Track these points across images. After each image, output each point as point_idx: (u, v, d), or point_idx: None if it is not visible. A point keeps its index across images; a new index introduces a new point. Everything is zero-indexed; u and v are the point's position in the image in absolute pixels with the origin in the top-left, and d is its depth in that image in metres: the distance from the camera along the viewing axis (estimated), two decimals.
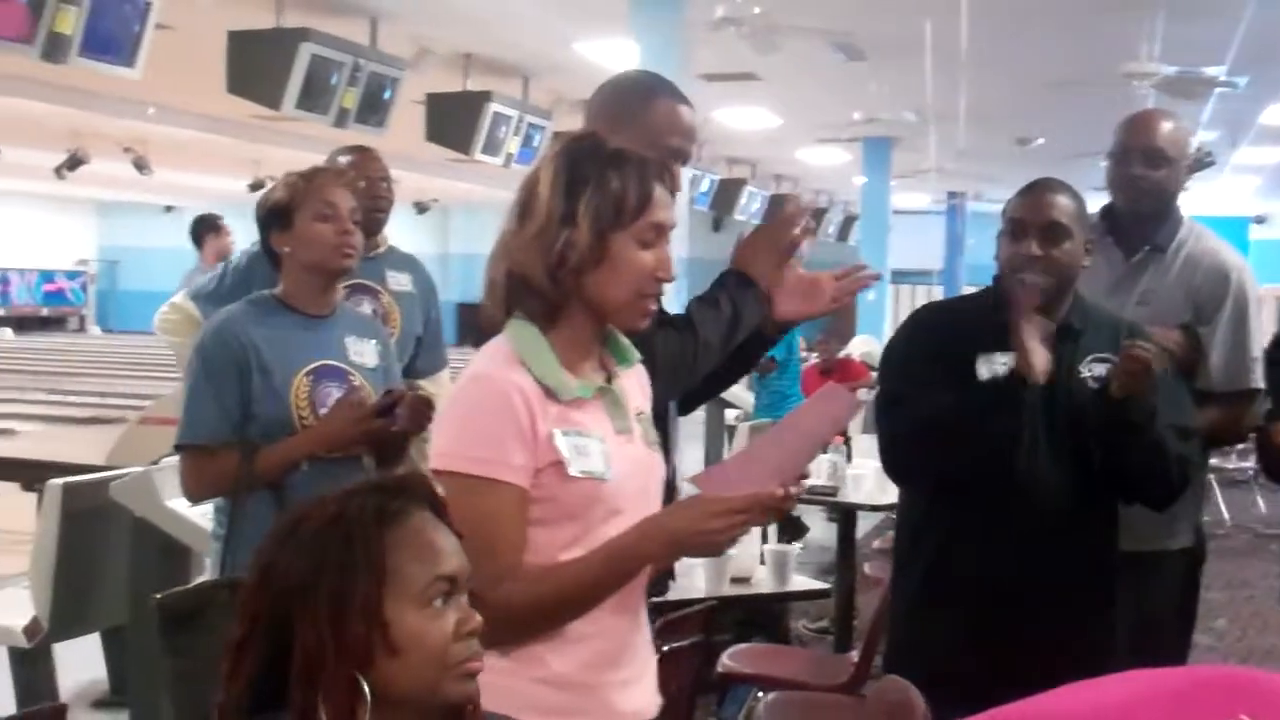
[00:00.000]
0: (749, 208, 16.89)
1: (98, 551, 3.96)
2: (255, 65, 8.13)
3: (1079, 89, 9.31)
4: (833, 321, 22.60)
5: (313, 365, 3.08)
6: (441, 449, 1.99)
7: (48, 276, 30.27)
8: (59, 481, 3.95)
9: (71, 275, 30.86)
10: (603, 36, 9.13)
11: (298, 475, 2.98)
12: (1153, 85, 8.58)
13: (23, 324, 29.26)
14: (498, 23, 9.35)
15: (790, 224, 2.72)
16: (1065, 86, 9.44)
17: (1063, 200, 2.90)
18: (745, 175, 17.19)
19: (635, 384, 2.18)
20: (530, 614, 1.95)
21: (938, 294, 17.70)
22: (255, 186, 16.23)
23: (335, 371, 3.12)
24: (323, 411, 3.05)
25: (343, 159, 3.99)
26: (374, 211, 3.93)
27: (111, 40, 6.65)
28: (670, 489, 2.72)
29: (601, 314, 2.05)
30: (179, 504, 3.62)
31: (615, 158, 2.04)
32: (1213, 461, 10.06)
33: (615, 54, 8.89)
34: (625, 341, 2.15)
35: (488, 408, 1.97)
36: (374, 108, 8.90)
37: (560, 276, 2.00)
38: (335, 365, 3.12)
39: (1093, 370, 2.91)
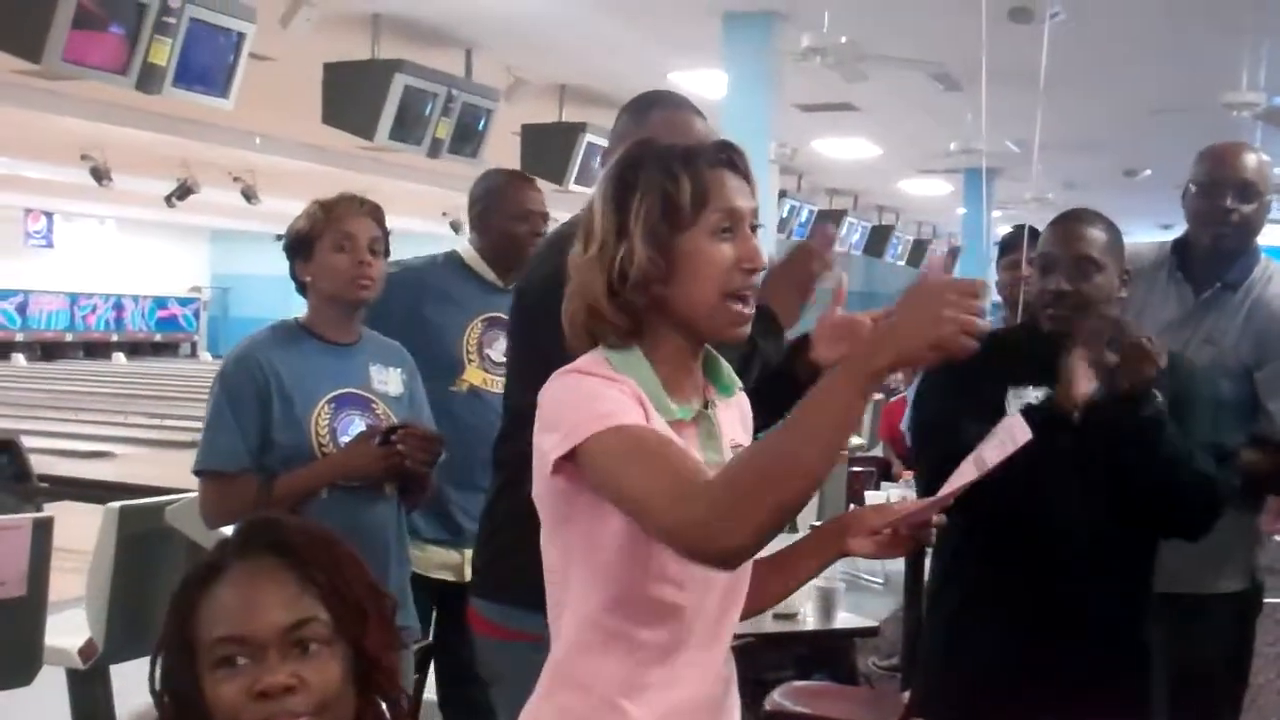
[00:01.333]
0: (849, 239, 16.77)
1: (155, 574, 3.96)
2: (349, 96, 8.25)
3: (1181, 117, 9.11)
4: None
5: (335, 393, 3.06)
6: (549, 446, 1.78)
7: (161, 303, 30.97)
8: (116, 505, 3.99)
9: (184, 302, 31.54)
10: (696, 67, 9.13)
11: (317, 503, 2.95)
12: (1256, 115, 8.35)
13: (136, 349, 29.96)
14: (592, 54, 9.39)
15: (808, 259, 2.63)
16: (1165, 115, 9.25)
17: (1093, 233, 2.78)
18: (846, 206, 17.08)
19: (735, 415, 2.02)
20: (734, 503, 1.64)
21: None
22: None
23: (358, 399, 3.09)
24: (344, 440, 3.02)
25: (509, 186, 3.89)
26: (530, 247, 3.77)
27: (205, 71, 6.80)
28: None
29: (692, 326, 1.87)
30: (232, 530, 3.63)
31: (663, 156, 1.88)
32: None
33: (708, 84, 8.89)
34: (727, 369, 2.01)
35: (596, 385, 1.79)
36: (467, 138, 8.99)
37: (623, 294, 1.84)
38: (358, 393, 3.10)
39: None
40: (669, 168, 1.85)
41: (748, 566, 1.94)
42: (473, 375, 3.71)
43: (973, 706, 2.78)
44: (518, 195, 3.87)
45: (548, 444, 1.80)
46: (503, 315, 3.68)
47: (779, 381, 2.60)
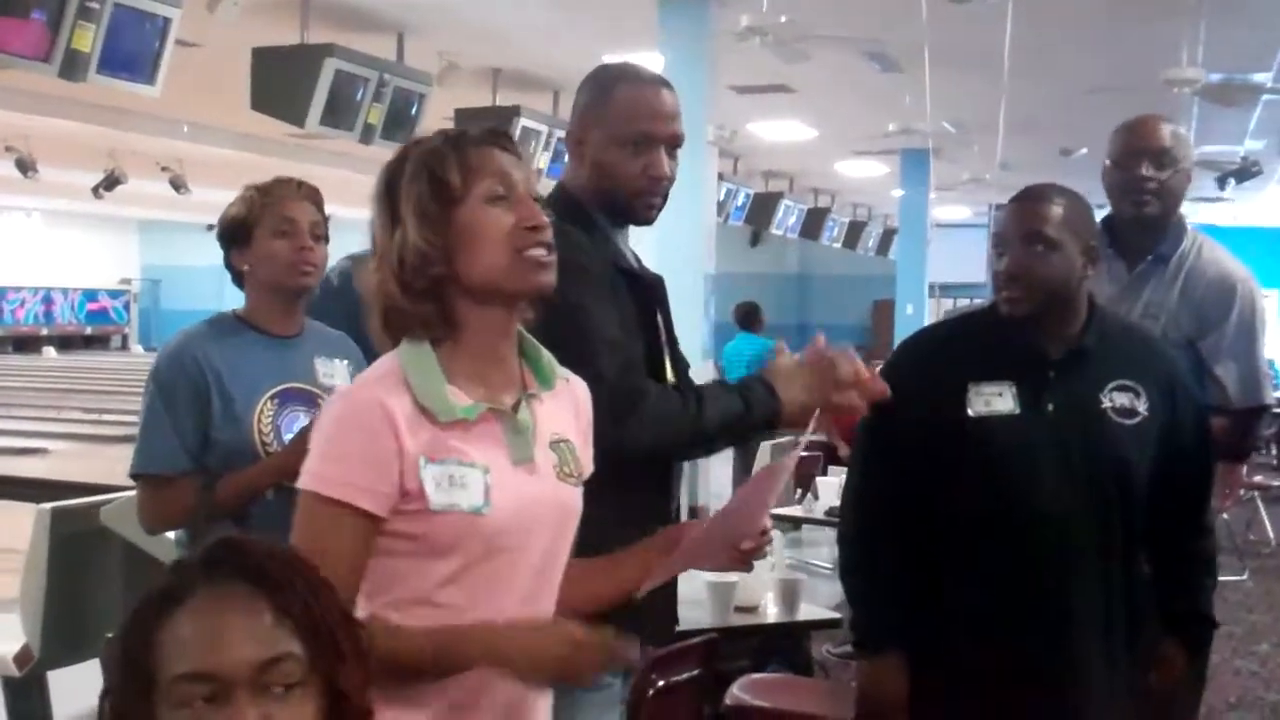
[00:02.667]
0: (785, 221, 16.74)
1: (91, 577, 3.85)
2: (279, 82, 8.08)
3: (1119, 96, 9.12)
4: (868, 335, 22.22)
5: (278, 388, 2.92)
6: (304, 465, 1.84)
7: (91, 295, 30.50)
8: (49, 506, 3.86)
9: (114, 294, 31.10)
10: (632, 49, 9.03)
11: (262, 505, 2.81)
12: (1194, 92, 8.37)
13: (66, 343, 29.51)
14: (526, 37, 9.29)
15: (836, 383, 2.30)
16: (1105, 94, 9.27)
17: (1048, 208, 2.68)
18: (782, 189, 17.05)
19: (562, 408, 1.99)
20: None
21: None
22: None
23: (302, 395, 2.95)
24: (288, 437, 2.87)
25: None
26: None
27: (131, 58, 6.61)
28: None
29: (496, 291, 1.87)
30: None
31: (424, 146, 1.90)
32: (1257, 479, 9.85)
33: (645, 66, 8.79)
34: (548, 359, 1.98)
35: (346, 426, 1.82)
36: (400, 123, 8.83)
37: (411, 283, 1.85)
38: (302, 388, 2.96)
39: (1114, 400, 2.69)
40: (434, 151, 1.88)
41: (555, 575, 1.94)
42: None
43: (940, 697, 2.71)
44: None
45: (307, 460, 1.84)
46: None
47: None
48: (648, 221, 2.57)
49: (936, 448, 2.68)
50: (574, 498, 1.95)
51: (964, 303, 22.06)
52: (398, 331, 1.89)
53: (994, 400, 2.66)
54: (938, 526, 2.73)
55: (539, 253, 1.87)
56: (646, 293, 2.56)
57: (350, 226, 3.52)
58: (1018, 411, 2.66)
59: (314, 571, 1.46)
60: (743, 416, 2.34)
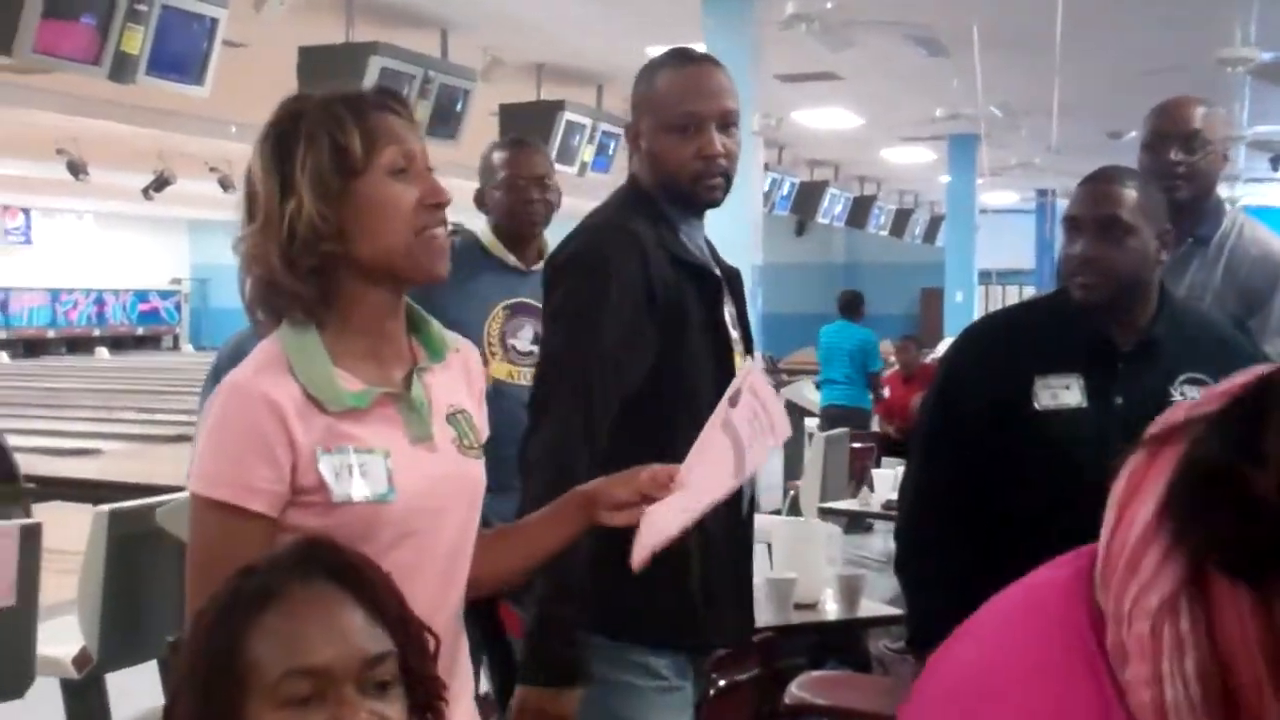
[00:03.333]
0: (831, 210, 16.64)
1: (148, 579, 3.87)
2: (325, 80, 7.94)
3: (1171, 76, 9.01)
4: (916, 324, 21.96)
5: None
6: (192, 468, 1.74)
7: (142, 296, 30.81)
8: (105, 508, 3.88)
9: (165, 294, 31.38)
10: (676, 40, 8.99)
11: None
12: (1248, 71, 8.26)
13: (118, 343, 29.82)
14: (569, 31, 9.28)
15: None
16: (1157, 75, 9.15)
17: (1122, 191, 2.58)
18: (827, 177, 16.96)
19: (455, 378, 1.91)
20: None
21: (1029, 294, 17.25)
22: None
23: None
24: None
25: (496, 155, 3.64)
26: (526, 217, 3.58)
27: (179, 59, 6.65)
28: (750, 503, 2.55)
29: (391, 273, 1.78)
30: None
31: (325, 104, 1.77)
32: None
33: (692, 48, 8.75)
34: (438, 332, 1.90)
35: (234, 423, 1.71)
36: (445, 119, 8.85)
37: (298, 260, 1.73)
38: None
39: (1185, 394, 2.56)
40: (334, 114, 1.75)
41: (465, 553, 1.86)
42: (497, 370, 3.40)
43: None
44: (509, 163, 3.62)
45: (194, 460, 1.75)
46: (528, 300, 3.46)
47: None
48: (714, 203, 2.52)
49: (998, 440, 2.60)
50: (478, 470, 1.88)
51: (1013, 290, 21.92)
52: (277, 311, 1.79)
53: (1061, 393, 2.56)
54: (996, 521, 2.67)
55: (439, 233, 1.79)
56: (712, 286, 2.53)
57: None
58: (1085, 405, 2.56)
59: (390, 576, 1.45)
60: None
